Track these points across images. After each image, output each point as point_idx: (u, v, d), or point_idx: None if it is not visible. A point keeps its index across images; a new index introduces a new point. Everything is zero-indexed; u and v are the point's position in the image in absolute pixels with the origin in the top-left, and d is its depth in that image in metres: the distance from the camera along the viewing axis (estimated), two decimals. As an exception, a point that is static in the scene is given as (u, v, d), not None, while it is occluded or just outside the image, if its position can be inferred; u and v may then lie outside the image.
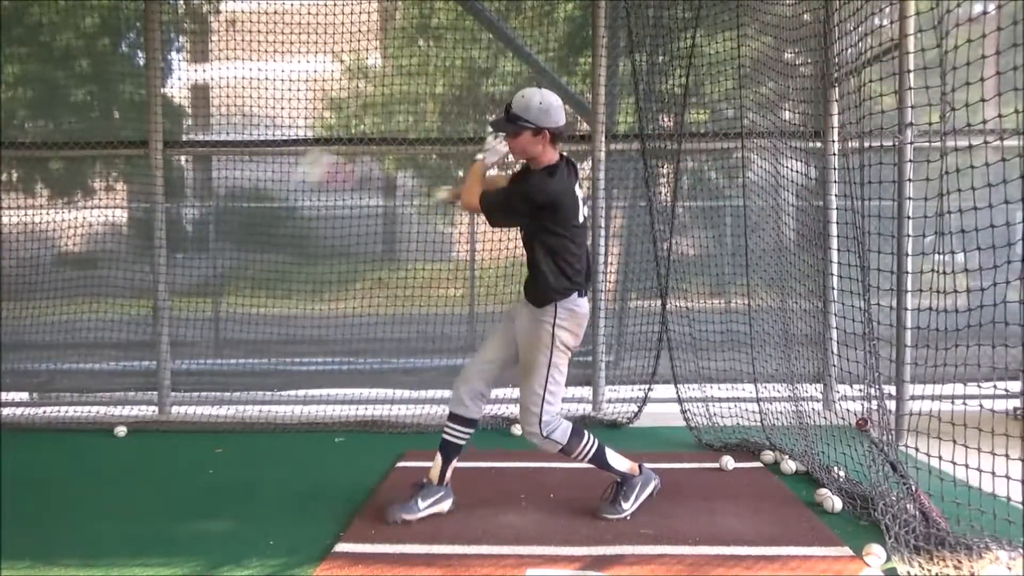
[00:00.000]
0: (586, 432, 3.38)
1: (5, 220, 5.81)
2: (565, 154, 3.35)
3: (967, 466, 2.87)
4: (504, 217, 3.32)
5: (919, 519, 3.00)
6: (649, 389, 5.28)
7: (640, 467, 3.44)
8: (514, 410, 5.25)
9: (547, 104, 3.14)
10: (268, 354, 5.96)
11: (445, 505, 3.37)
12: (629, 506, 3.35)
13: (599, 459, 3.37)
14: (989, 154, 2.84)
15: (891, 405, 4.09)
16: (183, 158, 6.13)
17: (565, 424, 3.32)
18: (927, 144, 3.85)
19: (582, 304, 3.29)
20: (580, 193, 3.29)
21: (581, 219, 3.28)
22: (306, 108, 5.83)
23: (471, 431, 3.41)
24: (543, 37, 5.84)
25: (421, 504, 3.32)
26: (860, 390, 3.55)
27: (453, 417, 3.39)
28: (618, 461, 3.41)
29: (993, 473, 2.75)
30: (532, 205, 3.14)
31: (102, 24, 5.96)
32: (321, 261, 5.82)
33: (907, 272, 4.28)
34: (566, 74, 6.07)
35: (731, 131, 5.23)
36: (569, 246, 3.21)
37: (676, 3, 5.21)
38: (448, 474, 3.40)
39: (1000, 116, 2.84)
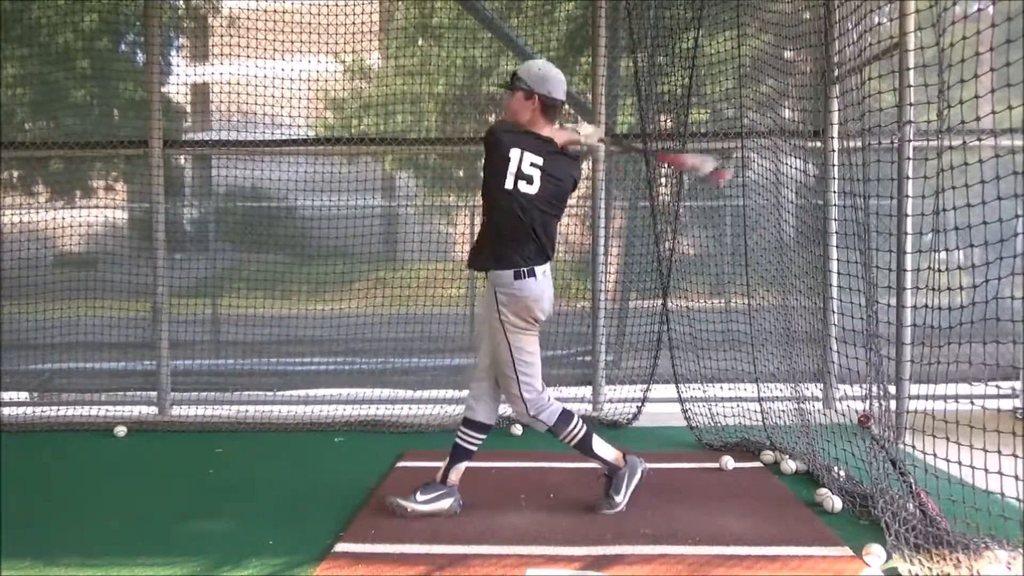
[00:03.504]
0: (575, 416, 3.40)
1: (5, 220, 5.81)
2: (564, 145, 3.33)
3: (961, 463, 2.86)
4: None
5: (919, 518, 3.00)
6: (648, 389, 5.27)
7: (625, 456, 3.44)
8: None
9: (544, 72, 3.26)
10: (268, 354, 5.96)
11: (446, 503, 3.35)
12: (621, 498, 3.36)
13: (584, 445, 3.39)
14: (986, 151, 2.84)
15: (891, 403, 4.09)
16: (183, 158, 6.14)
17: (555, 407, 3.35)
18: (927, 142, 3.85)
19: (523, 287, 3.19)
20: (532, 167, 3.16)
21: (510, 185, 3.15)
22: (306, 108, 5.82)
23: (483, 436, 3.43)
24: (543, 37, 5.84)
25: (419, 496, 3.32)
26: (862, 387, 3.54)
27: (466, 422, 3.43)
28: (604, 450, 3.42)
29: (987, 470, 2.75)
30: (485, 146, 3.21)
31: (102, 24, 5.95)
32: (321, 261, 5.82)
33: (907, 270, 4.27)
34: (566, 74, 6.04)
35: (731, 130, 5.23)
36: (497, 210, 3.19)
37: (676, 3, 5.21)
38: (452, 476, 3.40)
39: (994, 112, 2.83)
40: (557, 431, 3.35)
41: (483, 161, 3.23)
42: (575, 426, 3.36)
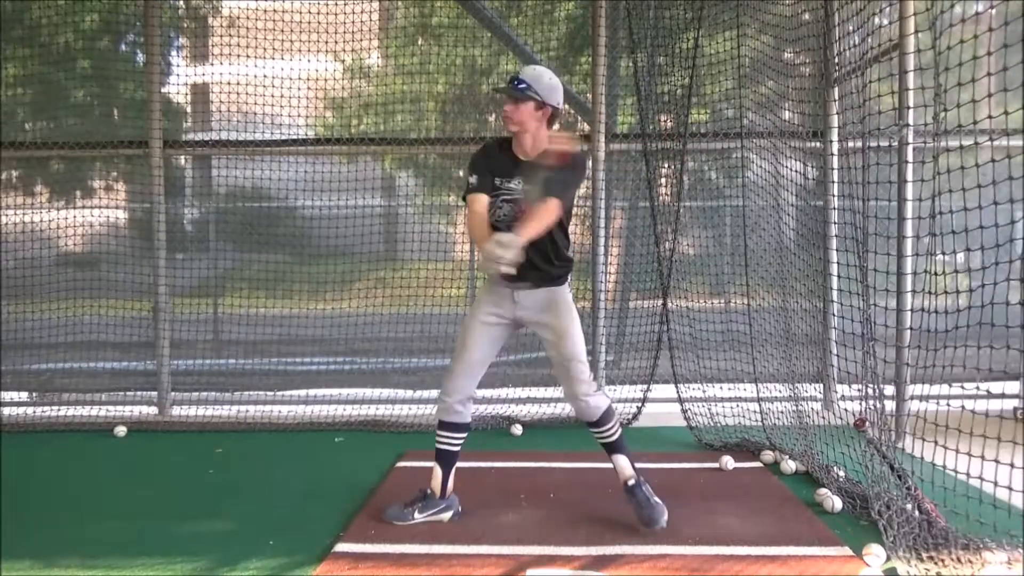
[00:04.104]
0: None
1: (5, 220, 5.81)
2: None
3: (961, 468, 2.86)
4: (572, 198, 3.31)
5: (918, 519, 3.00)
6: (648, 389, 5.28)
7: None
8: (514, 410, 5.26)
9: (555, 83, 3.18)
10: (268, 354, 5.96)
11: (445, 516, 3.33)
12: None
13: (620, 444, 3.31)
14: (984, 154, 2.84)
15: (890, 405, 4.09)
16: (183, 158, 6.14)
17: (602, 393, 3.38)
18: (925, 144, 3.86)
19: None
20: None
21: None
22: (306, 108, 5.83)
23: (465, 435, 3.38)
24: (543, 37, 5.85)
25: (417, 516, 3.29)
26: (859, 390, 3.55)
27: (445, 426, 3.35)
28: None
29: (981, 476, 2.75)
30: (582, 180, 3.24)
31: (102, 24, 5.96)
32: (321, 261, 5.83)
33: (907, 273, 4.28)
34: (566, 74, 6.07)
35: (731, 131, 5.23)
36: (569, 220, 3.30)
37: (676, 3, 5.21)
38: (450, 484, 3.36)
39: (998, 115, 2.84)
40: (605, 419, 3.27)
41: (568, 185, 3.18)
42: (616, 420, 3.34)
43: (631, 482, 3.27)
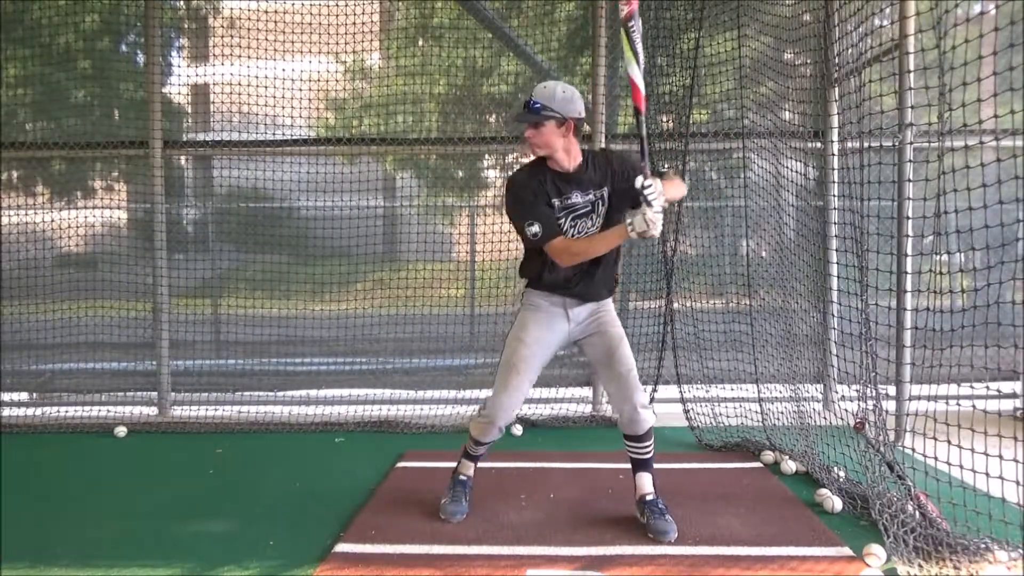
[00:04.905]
0: None
1: (5, 220, 5.81)
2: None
3: (963, 467, 2.86)
4: None
5: (919, 519, 3.00)
6: (655, 391, 5.26)
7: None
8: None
9: (570, 93, 3.08)
10: (268, 354, 5.96)
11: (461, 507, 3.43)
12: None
13: (652, 462, 3.31)
14: (987, 154, 2.85)
15: (890, 405, 4.09)
16: (183, 158, 6.14)
17: None
18: (928, 144, 3.86)
19: None
20: None
21: None
22: (306, 108, 5.83)
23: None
24: (543, 37, 5.85)
25: (464, 503, 3.41)
26: (857, 391, 3.55)
27: (480, 442, 3.40)
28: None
29: (987, 473, 2.75)
30: None
31: (102, 25, 5.96)
32: (321, 261, 5.83)
33: (906, 272, 4.28)
34: (566, 74, 6.07)
35: (731, 131, 5.23)
36: None
37: (676, 3, 5.21)
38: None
39: (996, 116, 2.84)
40: (650, 434, 3.25)
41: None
42: (654, 437, 3.32)
43: (649, 497, 3.26)
